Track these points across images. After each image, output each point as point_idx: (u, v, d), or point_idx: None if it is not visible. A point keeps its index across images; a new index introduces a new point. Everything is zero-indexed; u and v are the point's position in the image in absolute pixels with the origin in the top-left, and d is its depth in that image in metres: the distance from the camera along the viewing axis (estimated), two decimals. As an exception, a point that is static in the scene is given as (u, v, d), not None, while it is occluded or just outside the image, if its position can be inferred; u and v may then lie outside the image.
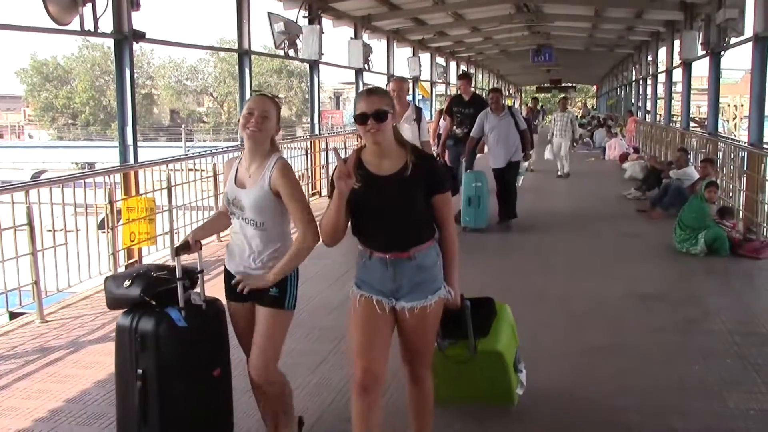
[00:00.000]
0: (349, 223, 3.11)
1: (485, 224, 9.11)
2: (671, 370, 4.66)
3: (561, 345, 5.16)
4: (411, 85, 10.69)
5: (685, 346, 5.13)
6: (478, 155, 9.82)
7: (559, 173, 15.68)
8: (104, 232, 7.10)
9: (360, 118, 3.01)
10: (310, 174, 12.65)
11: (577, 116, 33.91)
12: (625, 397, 4.23)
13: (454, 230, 3.20)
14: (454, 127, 9.96)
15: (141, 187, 7.85)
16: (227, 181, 3.34)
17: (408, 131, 7.27)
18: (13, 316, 6.03)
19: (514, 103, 50.48)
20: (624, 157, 17.61)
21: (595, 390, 4.36)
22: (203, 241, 3.39)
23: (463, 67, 28.38)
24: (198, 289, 3.37)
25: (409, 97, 11.10)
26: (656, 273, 7.38)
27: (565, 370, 4.66)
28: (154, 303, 3.23)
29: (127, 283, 3.29)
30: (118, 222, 7.22)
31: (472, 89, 10.61)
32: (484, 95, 16.45)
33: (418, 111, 7.79)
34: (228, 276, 3.36)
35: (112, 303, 3.42)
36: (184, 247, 3.30)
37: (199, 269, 3.38)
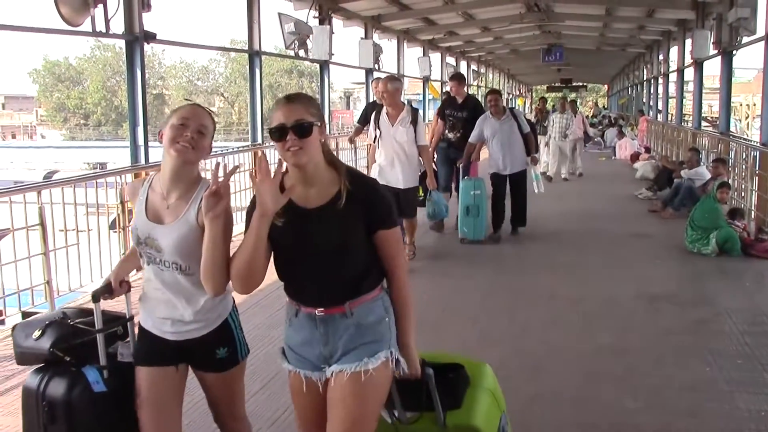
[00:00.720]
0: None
1: (483, 235, 8.55)
2: (682, 371, 4.64)
3: (571, 345, 5.15)
4: (404, 85, 9.63)
5: (696, 347, 5.10)
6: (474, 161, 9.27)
7: (563, 176, 15.23)
8: (116, 231, 7.13)
9: (276, 133, 2.32)
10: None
11: (588, 115, 33.83)
12: (635, 398, 4.22)
13: (405, 276, 2.50)
14: (446, 131, 9.13)
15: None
16: (135, 213, 2.62)
17: (403, 134, 7.08)
18: (25, 315, 6.05)
19: (525, 102, 50.40)
20: (635, 157, 17.54)
21: (606, 390, 4.35)
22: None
23: (473, 66, 28.34)
24: (128, 340, 2.74)
25: (419, 97, 10.96)
26: (667, 273, 7.35)
27: (576, 371, 4.66)
28: (68, 359, 2.59)
29: (36, 333, 2.64)
30: (129, 222, 7.26)
31: (466, 90, 9.89)
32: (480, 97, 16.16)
33: (414, 112, 7.24)
34: (145, 337, 2.65)
35: (20, 358, 2.74)
36: (106, 291, 2.69)
37: (128, 316, 2.78)
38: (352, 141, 10.79)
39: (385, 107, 7.25)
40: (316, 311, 2.41)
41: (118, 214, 7.06)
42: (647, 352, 5.01)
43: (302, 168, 2.35)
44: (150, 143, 7.97)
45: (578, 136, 15.87)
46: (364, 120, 9.11)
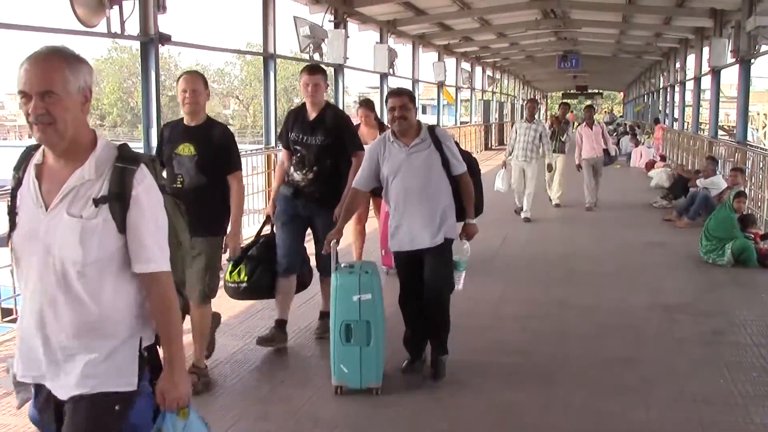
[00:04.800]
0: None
1: (380, 378, 4.41)
2: (695, 383, 4.58)
3: (584, 355, 5.10)
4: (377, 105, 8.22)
5: (710, 359, 5.04)
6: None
7: (523, 213, 10.82)
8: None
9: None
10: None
11: (606, 122, 33.31)
12: (648, 409, 4.16)
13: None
14: (291, 169, 5.15)
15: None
16: None
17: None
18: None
19: (540, 110, 49.66)
20: (650, 165, 17.43)
21: (618, 401, 4.30)
22: None
23: (488, 72, 28.29)
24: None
25: (434, 102, 10.73)
26: (682, 283, 7.28)
27: (588, 381, 4.61)
28: None
29: None
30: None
31: (326, 97, 5.31)
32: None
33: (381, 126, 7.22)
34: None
35: None
36: None
37: None
38: None
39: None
40: None
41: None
42: (660, 363, 4.95)
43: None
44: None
45: (598, 154, 12.06)
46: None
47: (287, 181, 5.18)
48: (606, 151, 12.21)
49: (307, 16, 11.80)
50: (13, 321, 5.94)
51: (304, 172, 5.07)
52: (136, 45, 7.69)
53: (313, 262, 5.33)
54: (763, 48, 10.96)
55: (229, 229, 4.42)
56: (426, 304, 4.58)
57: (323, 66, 7.41)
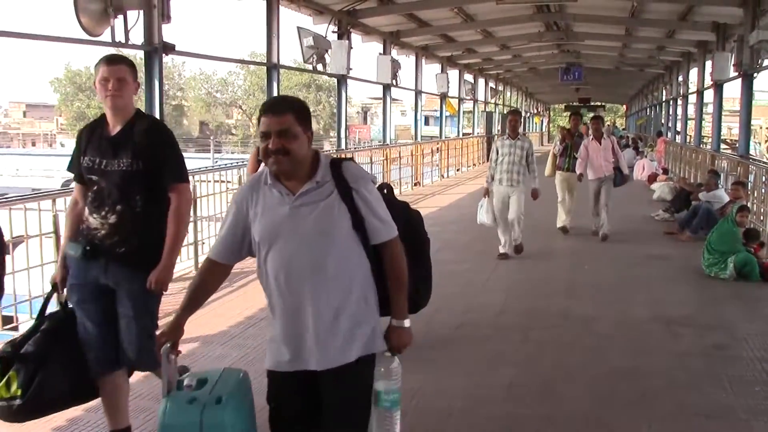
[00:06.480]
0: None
1: None
2: (697, 397, 4.55)
3: (585, 367, 5.08)
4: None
5: (713, 373, 5.01)
6: None
7: (503, 248, 8.75)
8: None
9: None
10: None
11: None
12: (648, 423, 4.14)
13: None
14: (86, 211, 3.52)
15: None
16: None
17: None
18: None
19: (542, 121, 49.82)
20: (653, 178, 17.43)
21: (619, 415, 4.27)
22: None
23: (491, 84, 28.37)
24: None
25: (436, 113, 10.35)
26: (683, 297, 7.25)
27: (588, 394, 4.58)
28: None
29: None
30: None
31: (139, 103, 4.19)
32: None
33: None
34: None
35: None
36: None
37: None
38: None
39: None
40: None
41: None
42: (662, 376, 4.92)
43: None
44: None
45: (608, 172, 10.23)
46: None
47: (81, 231, 3.47)
48: (618, 170, 10.32)
49: (311, 27, 11.87)
50: (14, 329, 5.93)
51: (102, 214, 3.40)
52: (140, 54, 7.72)
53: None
54: (766, 62, 10.96)
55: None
56: None
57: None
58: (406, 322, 2.72)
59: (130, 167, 3.35)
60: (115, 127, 3.44)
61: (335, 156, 2.95)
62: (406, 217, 3.00)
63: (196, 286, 2.78)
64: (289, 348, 2.59)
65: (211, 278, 2.81)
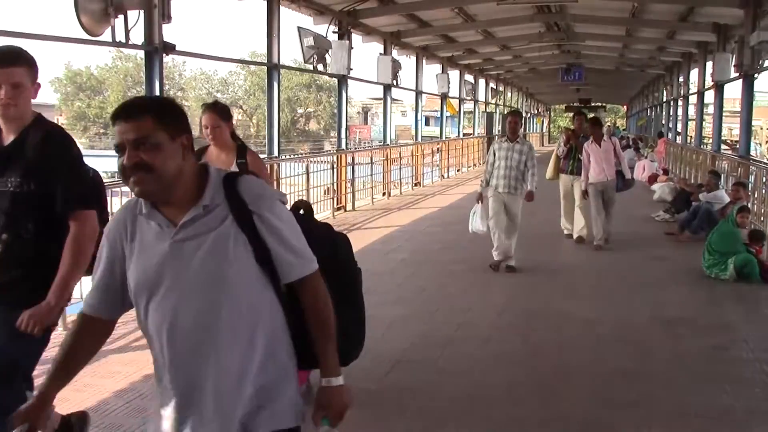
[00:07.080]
0: None
1: None
2: (697, 398, 4.55)
3: (585, 369, 5.07)
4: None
5: (713, 374, 5.00)
6: None
7: (497, 256, 8.10)
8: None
9: None
10: (335, 188, 12.63)
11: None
12: (649, 424, 4.13)
13: None
14: None
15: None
16: None
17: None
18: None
19: (543, 122, 49.81)
20: (653, 179, 17.42)
21: (618, 416, 4.27)
22: None
23: (492, 84, 28.36)
24: None
25: (437, 114, 10.23)
26: (683, 297, 7.24)
27: (588, 395, 4.58)
28: None
29: None
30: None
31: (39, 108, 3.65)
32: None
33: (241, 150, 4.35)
34: None
35: None
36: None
37: None
38: None
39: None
40: None
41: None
42: (662, 377, 4.92)
43: None
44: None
45: (609, 176, 9.62)
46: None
47: None
48: (620, 173, 9.78)
49: (312, 27, 11.88)
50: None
51: None
52: (141, 54, 7.72)
53: None
54: (767, 63, 10.96)
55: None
56: None
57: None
58: (339, 379, 2.07)
59: (20, 188, 2.79)
60: (7, 136, 2.87)
61: (244, 170, 2.28)
62: (330, 243, 2.33)
63: (68, 349, 2.11)
64: (183, 427, 1.95)
65: (88, 338, 2.14)
